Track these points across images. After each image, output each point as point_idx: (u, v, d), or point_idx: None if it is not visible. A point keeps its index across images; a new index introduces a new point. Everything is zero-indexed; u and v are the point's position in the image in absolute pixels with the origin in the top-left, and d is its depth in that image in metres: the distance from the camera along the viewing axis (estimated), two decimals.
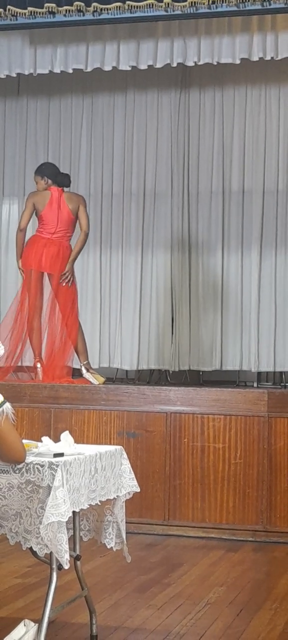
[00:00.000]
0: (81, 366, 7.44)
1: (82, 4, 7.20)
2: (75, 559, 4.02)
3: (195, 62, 7.80)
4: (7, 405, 3.55)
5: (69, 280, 7.40)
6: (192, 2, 7.02)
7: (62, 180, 7.52)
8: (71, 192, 7.68)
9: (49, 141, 9.13)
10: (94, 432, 6.73)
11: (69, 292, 7.44)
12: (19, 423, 6.44)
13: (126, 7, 7.15)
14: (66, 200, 7.41)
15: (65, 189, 7.51)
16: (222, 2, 6.98)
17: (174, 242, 8.85)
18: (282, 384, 8.52)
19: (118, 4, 7.14)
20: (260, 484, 6.45)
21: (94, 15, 7.25)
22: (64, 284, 7.39)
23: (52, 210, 7.37)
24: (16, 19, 7.34)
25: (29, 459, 3.65)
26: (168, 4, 7.07)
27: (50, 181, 7.47)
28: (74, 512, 3.82)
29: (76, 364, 7.57)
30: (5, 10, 7.30)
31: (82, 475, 3.78)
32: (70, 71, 8.03)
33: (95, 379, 7.31)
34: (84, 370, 7.40)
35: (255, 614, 4.56)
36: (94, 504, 3.93)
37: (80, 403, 6.85)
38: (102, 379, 7.38)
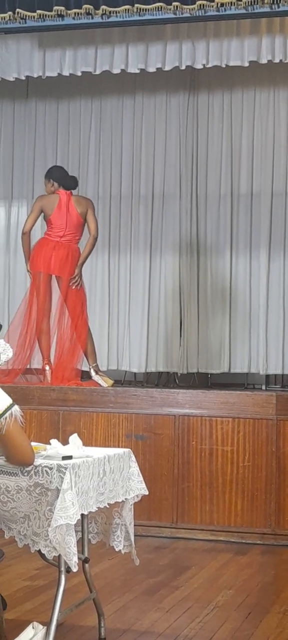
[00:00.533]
0: (90, 368, 7.45)
1: (91, 6, 7.20)
2: (84, 561, 4.02)
3: (203, 65, 7.79)
4: (16, 407, 3.55)
5: (78, 284, 7.41)
6: (200, 5, 7.01)
7: (69, 183, 7.52)
8: (79, 195, 7.68)
9: (58, 144, 9.14)
10: (102, 434, 6.73)
11: (78, 295, 7.45)
12: (27, 425, 6.44)
13: (135, 10, 7.15)
14: (74, 203, 7.41)
15: (74, 192, 7.52)
16: (231, 4, 6.97)
17: (182, 245, 8.84)
18: None
19: (127, 6, 7.15)
20: (268, 486, 6.44)
21: (102, 18, 7.26)
22: (74, 287, 7.40)
23: (60, 214, 7.37)
24: (25, 22, 7.35)
25: (38, 461, 3.65)
26: (177, 6, 7.07)
27: (56, 184, 7.48)
28: (82, 515, 3.82)
29: (85, 367, 7.58)
30: (14, 13, 7.31)
31: (90, 478, 3.78)
32: (79, 74, 8.03)
33: (103, 382, 7.32)
34: (92, 373, 7.41)
35: (264, 617, 4.55)
36: (102, 507, 3.93)
37: (88, 405, 6.84)
38: (111, 382, 7.39)
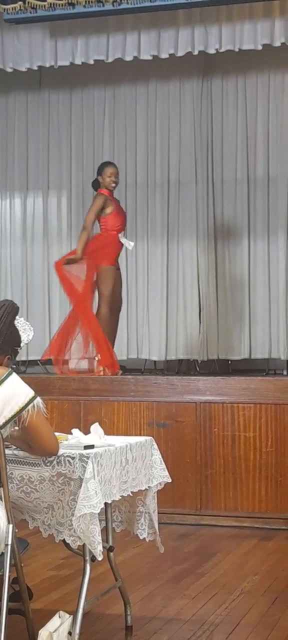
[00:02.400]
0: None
1: None
2: (108, 550, 4.01)
3: (216, 50, 7.73)
4: (38, 399, 3.54)
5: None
6: None
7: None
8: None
9: (72, 134, 9.12)
10: (123, 423, 6.72)
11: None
12: (48, 416, 6.44)
13: None
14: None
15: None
16: None
17: (200, 231, 8.80)
18: None
19: None
20: None
21: (114, 5, 7.22)
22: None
23: None
24: (36, 12, 7.32)
25: (60, 451, 3.64)
26: None
27: None
28: (106, 504, 3.80)
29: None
30: (24, 3, 7.26)
31: (113, 467, 3.77)
32: (92, 62, 7.99)
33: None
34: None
35: None
36: (125, 495, 3.92)
37: (109, 394, 6.84)
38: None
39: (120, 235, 7.49)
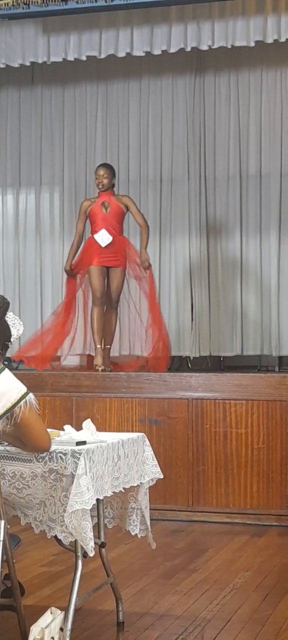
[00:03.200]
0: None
1: None
2: (100, 546, 4.02)
3: (209, 46, 7.72)
4: (31, 395, 3.54)
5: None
6: None
7: None
8: None
9: (65, 130, 9.10)
10: (115, 419, 6.72)
11: None
12: (40, 412, 6.44)
13: None
14: None
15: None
16: None
17: (192, 228, 8.79)
18: None
19: None
20: (283, 468, 6.42)
21: (106, 1, 7.22)
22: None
23: None
24: (29, 7, 7.32)
25: (52, 447, 3.64)
26: None
27: None
28: (97, 500, 3.81)
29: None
30: None
31: (105, 463, 3.77)
32: (84, 58, 7.98)
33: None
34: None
35: (282, 598, 4.54)
36: (117, 491, 3.93)
37: (101, 391, 6.84)
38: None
39: (97, 234, 7.54)
